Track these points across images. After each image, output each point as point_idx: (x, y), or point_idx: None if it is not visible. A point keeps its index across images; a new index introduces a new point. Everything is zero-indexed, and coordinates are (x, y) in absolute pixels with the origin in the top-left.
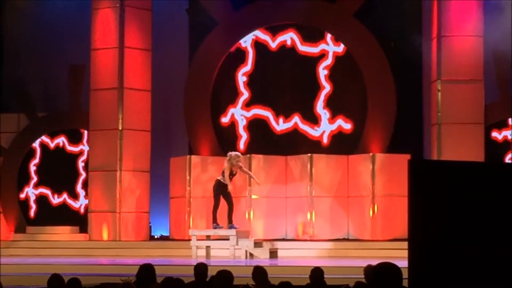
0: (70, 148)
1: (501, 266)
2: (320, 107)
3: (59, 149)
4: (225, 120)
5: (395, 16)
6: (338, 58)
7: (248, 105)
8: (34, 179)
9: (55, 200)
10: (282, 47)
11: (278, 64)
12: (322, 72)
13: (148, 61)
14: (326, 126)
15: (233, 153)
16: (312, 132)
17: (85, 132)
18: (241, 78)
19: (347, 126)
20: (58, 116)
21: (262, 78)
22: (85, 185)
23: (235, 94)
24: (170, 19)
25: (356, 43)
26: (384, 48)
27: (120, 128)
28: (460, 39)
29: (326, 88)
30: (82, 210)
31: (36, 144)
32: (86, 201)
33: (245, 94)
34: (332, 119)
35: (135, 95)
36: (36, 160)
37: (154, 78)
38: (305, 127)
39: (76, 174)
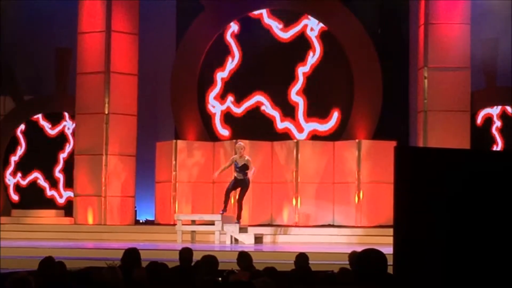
0: (56, 133)
1: (486, 252)
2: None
3: (44, 133)
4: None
5: (382, 3)
6: (324, 43)
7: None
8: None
9: (42, 184)
10: (267, 35)
11: (264, 52)
12: (309, 59)
13: (135, 45)
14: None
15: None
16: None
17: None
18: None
19: (324, 128)
20: (44, 99)
21: (247, 68)
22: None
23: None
24: (157, 3)
25: (343, 29)
26: (371, 35)
27: (106, 112)
28: (447, 26)
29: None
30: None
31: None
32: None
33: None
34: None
35: (121, 79)
36: (21, 146)
37: (140, 62)
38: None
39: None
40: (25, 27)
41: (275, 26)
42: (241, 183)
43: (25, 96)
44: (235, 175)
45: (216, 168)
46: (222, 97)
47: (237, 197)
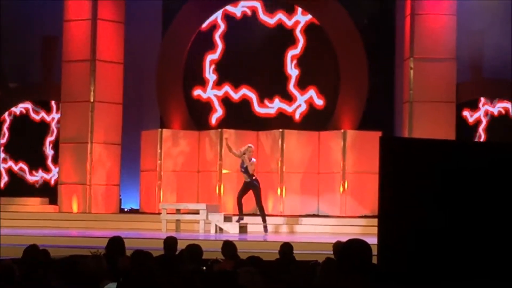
0: (41, 121)
1: (471, 242)
2: (292, 85)
3: (29, 120)
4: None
5: None
6: (311, 34)
7: (219, 83)
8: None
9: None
10: (254, 22)
11: (250, 40)
12: (294, 49)
13: (121, 34)
14: (299, 101)
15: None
16: (286, 107)
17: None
18: (211, 57)
19: (319, 101)
20: (30, 87)
21: (234, 56)
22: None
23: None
24: None
25: (330, 19)
26: (358, 25)
27: (91, 100)
28: (433, 17)
29: (298, 66)
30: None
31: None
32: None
33: (214, 76)
34: (303, 91)
35: (107, 68)
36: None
37: (126, 50)
38: (280, 105)
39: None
40: (11, 15)
41: (260, 12)
42: (250, 186)
43: (10, 84)
44: (244, 178)
45: (202, 157)
46: (218, 84)
47: (255, 203)
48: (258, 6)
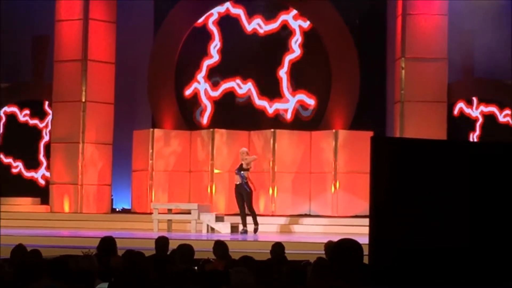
0: (32, 121)
1: (461, 241)
2: (284, 85)
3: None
4: (188, 92)
5: None
6: (304, 35)
7: (211, 77)
8: None
9: (17, 170)
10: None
11: (244, 39)
12: (287, 48)
13: (112, 33)
14: (290, 103)
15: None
16: (277, 106)
17: (46, 103)
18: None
19: (311, 101)
20: (21, 87)
21: (228, 54)
22: (47, 155)
23: (199, 68)
24: None
25: (321, 19)
26: (349, 25)
27: (83, 100)
28: (425, 17)
29: (290, 63)
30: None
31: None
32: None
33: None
34: (294, 92)
35: (99, 67)
36: None
37: (118, 50)
38: (266, 103)
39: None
40: (2, 14)
41: (255, 22)
42: (241, 189)
43: (2, 84)
44: (235, 181)
45: (193, 157)
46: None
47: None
48: (241, 12)
